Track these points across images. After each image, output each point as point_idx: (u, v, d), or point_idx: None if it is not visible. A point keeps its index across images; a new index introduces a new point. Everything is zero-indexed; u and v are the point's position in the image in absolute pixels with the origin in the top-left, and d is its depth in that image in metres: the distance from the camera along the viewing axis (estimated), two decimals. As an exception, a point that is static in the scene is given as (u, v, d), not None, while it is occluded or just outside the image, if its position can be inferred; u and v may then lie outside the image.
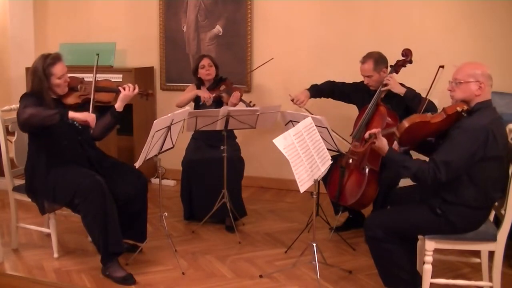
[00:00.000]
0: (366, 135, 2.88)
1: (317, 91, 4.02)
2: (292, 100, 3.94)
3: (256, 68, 4.49)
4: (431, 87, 3.19)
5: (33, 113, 3.05)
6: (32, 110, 3.06)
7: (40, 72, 3.21)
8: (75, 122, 3.23)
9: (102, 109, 3.46)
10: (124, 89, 3.39)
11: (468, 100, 2.70)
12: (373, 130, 2.84)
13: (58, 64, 3.25)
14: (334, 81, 4.07)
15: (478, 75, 2.67)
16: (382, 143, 2.81)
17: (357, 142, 3.54)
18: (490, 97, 2.72)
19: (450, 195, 2.67)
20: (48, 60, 3.23)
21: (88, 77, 3.50)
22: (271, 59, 4.32)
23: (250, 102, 4.04)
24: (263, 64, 4.26)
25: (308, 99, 3.96)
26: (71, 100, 3.36)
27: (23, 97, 3.24)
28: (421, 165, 2.65)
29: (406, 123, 2.75)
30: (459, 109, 2.68)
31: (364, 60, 3.76)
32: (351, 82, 4.03)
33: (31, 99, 3.18)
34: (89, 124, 3.14)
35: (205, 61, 4.19)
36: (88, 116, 3.13)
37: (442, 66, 3.17)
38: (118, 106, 3.40)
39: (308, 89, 4.01)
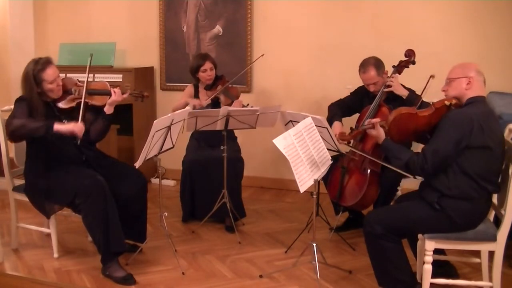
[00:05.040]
0: (366, 122, 2.97)
1: (339, 116, 3.88)
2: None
3: (248, 67, 4.32)
4: (422, 95, 3.20)
5: (19, 125, 3.05)
6: (19, 121, 3.05)
7: (31, 78, 3.17)
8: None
9: (98, 109, 3.42)
10: (114, 92, 3.34)
11: (460, 96, 2.78)
12: (373, 120, 2.95)
13: (48, 69, 3.19)
14: (338, 102, 3.98)
15: (467, 71, 2.77)
16: (379, 132, 2.91)
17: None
18: (483, 94, 2.77)
19: (444, 186, 2.69)
20: (38, 66, 3.18)
21: (85, 77, 3.41)
22: (262, 55, 4.32)
23: (248, 104, 4.08)
24: (255, 60, 4.22)
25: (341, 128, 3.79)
26: (65, 104, 3.30)
27: (16, 102, 3.23)
28: (412, 156, 2.75)
29: (393, 114, 2.86)
30: (447, 103, 2.77)
31: (365, 69, 3.71)
32: (349, 86, 4.03)
33: (22, 105, 3.17)
34: (76, 135, 3.09)
35: (207, 65, 4.16)
36: (75, 127, 3.07)
37: (433, 76, 3.20)
38: (107, 109, 3.37)
39: (336, 120, 3.82)
